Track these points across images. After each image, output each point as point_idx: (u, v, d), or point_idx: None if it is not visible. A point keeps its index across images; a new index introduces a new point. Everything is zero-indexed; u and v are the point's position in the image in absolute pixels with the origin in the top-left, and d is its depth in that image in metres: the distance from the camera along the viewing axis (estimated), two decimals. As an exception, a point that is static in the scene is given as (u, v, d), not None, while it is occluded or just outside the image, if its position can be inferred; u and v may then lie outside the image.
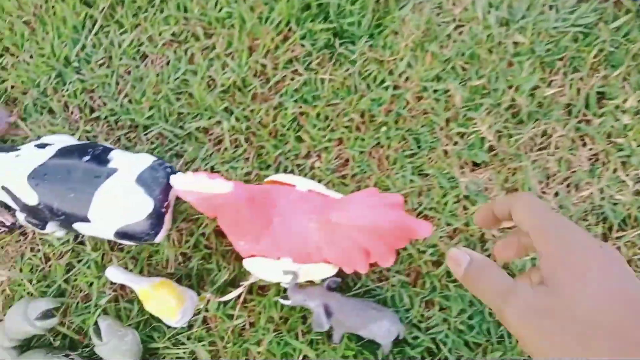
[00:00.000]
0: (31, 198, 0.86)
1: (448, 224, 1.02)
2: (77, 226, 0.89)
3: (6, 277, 1.05)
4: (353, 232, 0.77)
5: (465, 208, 1.03)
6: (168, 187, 0.85)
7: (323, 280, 0.94)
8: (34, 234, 1.08)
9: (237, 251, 0.89)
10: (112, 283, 1.02)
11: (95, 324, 0.98)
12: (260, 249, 0.84)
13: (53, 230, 0.97)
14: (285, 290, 0.96)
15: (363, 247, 0.79)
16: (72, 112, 1.12)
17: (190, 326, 1.01)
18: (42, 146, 0.91)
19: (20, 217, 0.95)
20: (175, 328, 1.00)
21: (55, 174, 0.86)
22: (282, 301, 0.95)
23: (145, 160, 0.88)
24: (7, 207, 1.05)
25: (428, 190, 1.04)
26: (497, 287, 0.39)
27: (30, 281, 1.05)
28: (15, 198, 0.88)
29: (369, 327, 0.91)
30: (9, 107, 1.11)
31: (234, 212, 0.78)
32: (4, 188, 0.88)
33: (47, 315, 0.98)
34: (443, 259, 1.00)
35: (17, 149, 0.91)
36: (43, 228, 0.95)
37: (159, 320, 0.98)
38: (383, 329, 0.91)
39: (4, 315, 1.04)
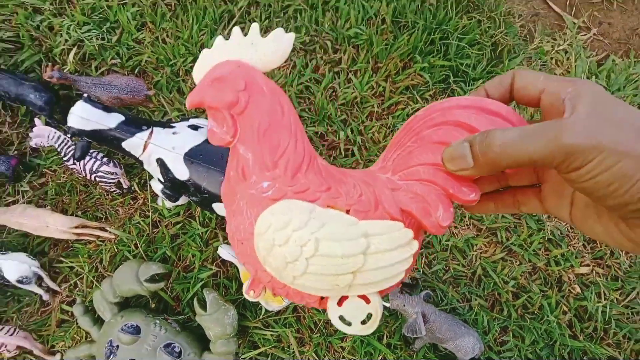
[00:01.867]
0: (182, 174, 0.94)
1: (530, 261, 1.12)
2: (215, 206, 0.97)
3: (114, 236, 1.12)
4: (441, 135, 0.49)
5: (547, 249, 1.13)
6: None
7: (420, 291, 1.02)
8: (144, 200, 1.14)
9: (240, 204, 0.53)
10: (219, 258, 1.09)
11: (199, 295, 1.05)
12: (297, 188, 0.51)
13: (182, 203, 1.04)
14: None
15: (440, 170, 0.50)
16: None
17: (279, 312, 1.08)
18: (195, 128, 0.98)
19: (157, 187, 1.02)
20: (267, 311, 1.07)
21: (210, 156, 0.93)
22: (382, 303, 1.03)
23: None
24: (126, 172, 1.12)
25: (516, 227, 1.14)
26: (538, 129, 0.37)
27: (135, 244, 1.11)
28: (167, 170, 0.95)
29: (456, 341, 1.00)
30: (146, 81, 1.19)
31: (275, 106, 0.51)
32: (159, 160, 0.95)
33: (154, 279, 1.04)
34: (522, 291, 1.10)
35: (173, 126, 0.98)
36: (176, 200, 1.02)
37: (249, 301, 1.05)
38: (469, 345, 0.99)
39: (108, 271, 1.11)
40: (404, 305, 1.00)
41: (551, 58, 1.26)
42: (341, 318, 0.54)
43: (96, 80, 1.10)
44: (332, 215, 0.49)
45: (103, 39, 1.20)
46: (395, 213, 0.50)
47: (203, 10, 1.22)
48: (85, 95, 0.93)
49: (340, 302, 0.54)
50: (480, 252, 1.12)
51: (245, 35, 0.50)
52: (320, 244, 0.48)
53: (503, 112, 0.47)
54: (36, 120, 1.06)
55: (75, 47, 1.20)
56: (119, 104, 1.12)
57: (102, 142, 0.93)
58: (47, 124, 1.11)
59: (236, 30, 0.50)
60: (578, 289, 1.10)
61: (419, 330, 0.98)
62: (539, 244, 1.13)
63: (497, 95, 0.47)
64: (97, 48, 1.20)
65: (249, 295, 0.55)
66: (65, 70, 1.16)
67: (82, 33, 1.20)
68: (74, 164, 1.08)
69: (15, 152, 1.17)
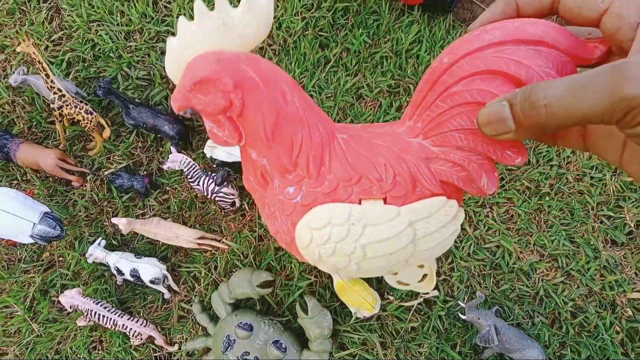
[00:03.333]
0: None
1: (587, 285, 1.27)
2: None
3: (227, 247, 1.32)
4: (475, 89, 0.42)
5: (602, 275, 1.29)
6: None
7: (490, 307, 1.19)
8: (251, 217, 1.35)
9: (273, 214, 0.51)
10: (314, 270, 1.28)
11: (300, 300, 1.24)
12: (324, 189, 0.46)
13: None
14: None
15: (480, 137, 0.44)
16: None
17: (366, 319, 1.27)
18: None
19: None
20: (357, 318, 1.26)
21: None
22: (459, 315, 1.21)
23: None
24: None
25: (574, 254, 1.30)
26: (593, 79, 0.30)
27: (245, 254, 1.32)
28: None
29: (523, 352, 1.16)
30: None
31: (278, 98, 0.45)
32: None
33: (264, 284, 1.24)
34: (580, 311, 1.25)
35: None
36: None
37: (340, 308, 1.24)
38: (534, 355, 1.16)
39: (221, 276, 1.31)
40: (479, 319, 1.17)
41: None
42: (399, 282, 0.54)
43: (219, 116, 1.31)
44: (371, 212, 0.45)
45: (219, 78, 1.41)
46: (435, 189, 0.46)
47: (303, 55, 1.43)
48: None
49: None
50: (543, 275, 1.29)
51: (212, 10, 0.42)
52: (366, 249, 0.46)
53: (549, 39, 0.38)
54: (172, 148, 1.27)
55: (197, 84, 1.41)
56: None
57: (238, 171, 1.13)
58: (177, 150, 1.33)
59: (198, 5, 0.42)
60: (630, 312, 1.25)
61: (491, 340, 1.15)
62: (595, 270, 1.28)
63: (532, 10, 0.38)
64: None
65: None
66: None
67: (202, 73, 1.41)
68: (197, 184, 1.29)
69: (144, 172, 1.39)
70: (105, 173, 1.37)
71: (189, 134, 1.37)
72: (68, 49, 1.44)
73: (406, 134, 0.47)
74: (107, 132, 1.33)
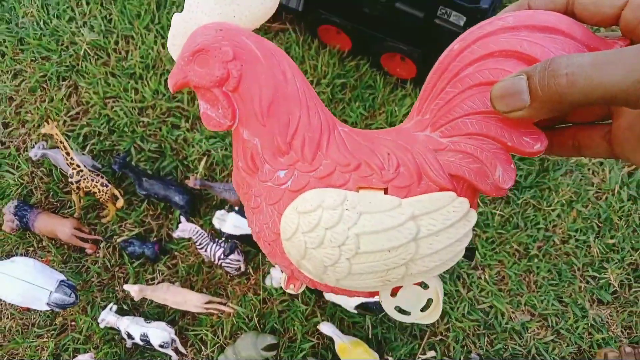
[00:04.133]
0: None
1: (576, 344, 1.34)
2: (328, 296, 1.24)
3: (233, 310, 1.39)
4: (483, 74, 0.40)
5: (590, 334, 1.35)
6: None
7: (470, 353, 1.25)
8: (255, 280, 1.42)
9: (258, 199, 0.45)
10: (317, 332, 1.35)
11: (306, 362, 1.30)
12: (320, 173, 0.43)
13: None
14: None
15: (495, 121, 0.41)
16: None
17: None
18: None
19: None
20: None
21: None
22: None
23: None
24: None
25: (563, 314, 1.37)
26: (619, 55, 0.29)
27: (249, 317, 1.38)
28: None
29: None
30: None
31: (278, 74, 0.43)
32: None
33: (269, 347, 1.30)
34: (571, 370, 1.31)
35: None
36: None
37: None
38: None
39: (227, 339, 1.37)
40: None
41: (588, 169, 1.52)
42: (397, 309, 0.48)
43: (226, 187, 1.40)
44: (369, 200, 0.41)
45: (226, 149, 1.52)
46: (444, 181, 0.41)
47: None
48: (236, 208, 1.24)
49: (394, 292, 0.47)
50: (534, 334, 1.35)
51: None
52: (361, 240, 0.40)
53: (564, 27, 0.37)
54: (182, 217, 1.36)
55: (205, 157, 1.52)
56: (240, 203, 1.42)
57: (247, 242, 1.22)
58: (187, 219, 1.42)
59: None
60: (618, 370, 1.31)
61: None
62: (583, 329, 1.35)
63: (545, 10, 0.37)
64: (221, 157, 1.51)
65: (289, 289, 0.50)
66: (198, 176, 1.48)
67: (210, 145, 1.52)
68: (205, 251, 1.37)
69: (155, 238, 1.47)
70: (118, 240, 1.45)
71: (197, 202, 1.46)
72: (85, 123, 1.55)
73: (413, 128, 0.44)
74: (120, 202, 1.42)
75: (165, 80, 1.60)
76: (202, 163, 1.51)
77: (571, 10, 0.37)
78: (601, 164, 1.54)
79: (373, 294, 0.46)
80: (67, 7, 1.70)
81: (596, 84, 0.29)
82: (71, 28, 1.66)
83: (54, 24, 1.67)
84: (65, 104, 1.59)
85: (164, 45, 1.63)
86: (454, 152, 0.41)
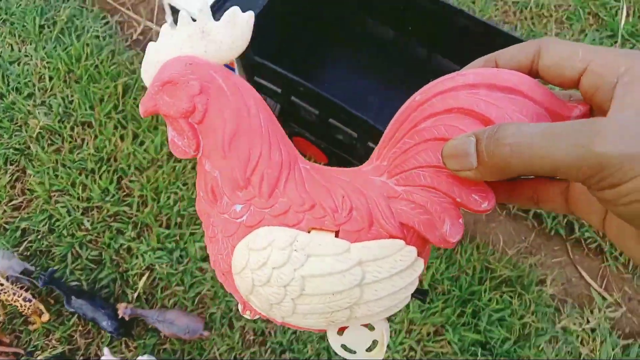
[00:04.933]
0: None
1: None
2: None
3: None
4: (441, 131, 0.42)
5: None
6: None
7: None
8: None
9: (211, 237, 0.46)
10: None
11: None
12: (274, 211, 0.44)
13: None
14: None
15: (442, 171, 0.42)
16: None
17: None
18: None
19: None
20: None
21: None
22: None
23: None
24: None
25: None
26: (564, 129, 0.29)
27: None
28: None
29: None
30: (202, 317, 1.33)
31: (241, 108, 0.44)
32: None
33: None
34: None
35: None
36: None
37: None
38: None
39: None
40: None
41: (577, 336, 1.33)
42: (344, 346, 0.48)
43: (161, 317, 1.25)
44: (318, 242, 0.42)
45: (171, 266, 1.36)
46: (393, 230, 0.42)
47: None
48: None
49: (340, 330, 0.48)
50: None
51: (195, 21, 0.43)
52: (306, 282, 0.41)
53: (525, 88, 0.37)
54: (105, 349, 1.21)
55: (147, 271, 1.36)
56: (175, 338, 1.26)
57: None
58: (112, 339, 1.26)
59: (183, 15, 0.43)
60: None
61: None
62: None
63: (513, 68, 0.38)
64: (165, 274, 1.36)
65: (246, 315, 0.49)
66: (135, 300, 1.32)
67: (155, 258, 1.36)
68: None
69: (82, 357, 1.32)
70: (39, 359, 1.30)
71: (130, 325, 1.30)
72: (25, 216, 1.42)
73: (371, 172, 0.45)
74: (45, 317, 1.28)
75: (118, 178, 1.45)
76: (143, 279, 1.35)
77: (535, 69, 0.37)
78: (593, 331, 1.35)
79: (321, 329, 0.47)
80: (29, 81, 1.57)
81: (540, 156, 0.29)
82: (28, 106, 1.53)
83: (11, 98, 1.54)
84: (8, 191, 1.45)
85: (122, 138, 1.49)
86: (407, 201, 0.42)
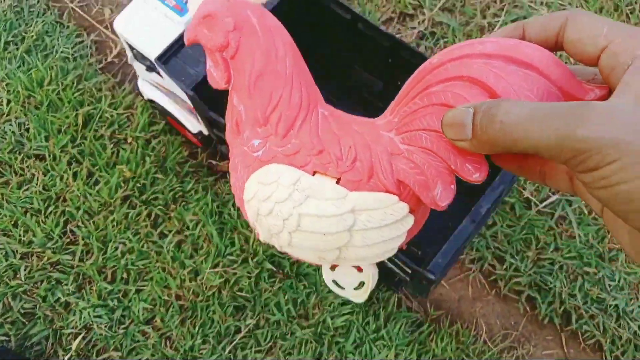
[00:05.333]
0: None
1: None
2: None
3: None
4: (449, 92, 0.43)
5: None
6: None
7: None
8: None
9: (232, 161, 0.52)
10: None
11: None
12: (287, 151, 0.47)
13: None
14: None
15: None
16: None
17: None
18: None
19: None
20: None
21: None
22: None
23: None
24: None
25: None
26: (553, 111, 0.29)
27: None
28: None
29: None
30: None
31: (270, 50, 0.47)
32: None
33: None
34: None
35: None
36: None
37: None
38: None
39: None
40: None
41: None
42: (334, 282, 0.52)
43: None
44: (318, 186, 0.46)
45: (110, 328, 1.22)
46: (390, 185, 0.46)
47: (211, 320, 1.22)
48: None
49: (334, 267, 0.52)
50: None
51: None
52: (302, 219, 0.46)
53: (542, 66, 0.37)
54: None
55: (84, 331, 1.22)
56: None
57: None
58: None
59: None
60: None
61: None
62: None
63: (536, 39, 0.38)
64: (104, 336, 1.21)
65: (260, 239, 0.52)
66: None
67: (94, 317, 1.22)
68: None
69: None
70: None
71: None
72: (-42, 258, 1.28)
73: (383, 126, 0.48)
74: (-41, 381, 1.14)
75: (65, 222, 1.32)
76: (78, 340, 1.21)
77: (561, 42, 0.36)
78: None
79: (316, 264, 0.53)
80: (-16, 104, 1.44)
81: (524, 137, 0.30)
82: (-21, 131, 1.40)
83: (-38, 122, 1.42)
84: (-57, 226, 1.32)
85: (75, 175, 1.35)
86: (407, 160, 0.46)
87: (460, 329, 1.27)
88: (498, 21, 1.55)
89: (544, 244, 1.31)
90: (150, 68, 1.12)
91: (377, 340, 1.24)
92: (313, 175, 0.47)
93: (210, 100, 1.02)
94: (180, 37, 1.07)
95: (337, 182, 0.46)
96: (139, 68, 1.24)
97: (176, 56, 1.07)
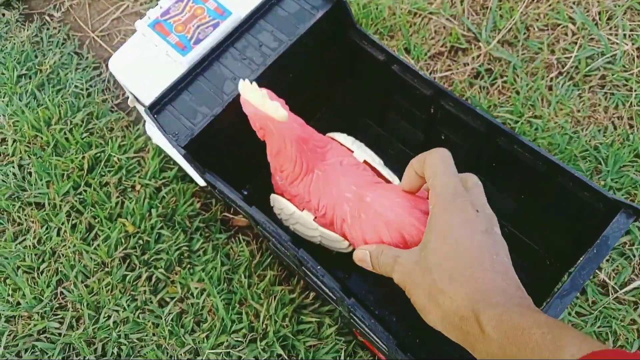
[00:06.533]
0: None
1: None
2: None
3: None
4: (378, 221, 0.73)
5: None
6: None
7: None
8: None
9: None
10: None
11: None
12: (291, 192, 0.82)
13: None
14: None
15: (381, 239, 0.73)
16: None
17: None
18: None
19: None
20: None
21: None
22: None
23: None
24: None
25: None
26: (389, 260, 0.56)
27: None
28: None
29: None
30: None
31: (281, 144, 0.76)
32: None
33: None
34: None
35: None
36: None
37: None
38: None
39: None
40: None
41: None
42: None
43: None
44: (304, 218, 0.81)
45: (96, 412, 1.05)
46: (338, 232, 0.81)
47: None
48: None
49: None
50: None
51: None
52: (295, 227, 0.85)
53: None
54: None
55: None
56: None
57: None
58: None
59: (246, 86, 0.76)
60: None
61: None
62: None
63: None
64: (86, 421, 1.05)
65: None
66: None
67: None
68: None
69: None
70: None
71: None
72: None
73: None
74: None
75: (58, 282, 1.17)
76: None
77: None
78: None
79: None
80: (-11, 143, 1.33)
81: (388, 274, 0.57)
82: (-21, 174, 1.29)
83: (-34, 163, 1.31)
84: None
85: (74, 228, 1.21)
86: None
87: None
88: (569, 58, 1.29)
89: (624, 342, 1.04)
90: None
91: None
92: (302, 210, 0.82)
93: (210, 153, 0.85)
94: (180, 81, 0.90)
95: (315, 219, 0.81)
96: (142, 111, 1.08)
97: (172, 104, 0.89)
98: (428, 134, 1.03)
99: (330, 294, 0.82)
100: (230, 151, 0.92)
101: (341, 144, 0.90)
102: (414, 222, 0.70)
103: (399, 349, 0.68)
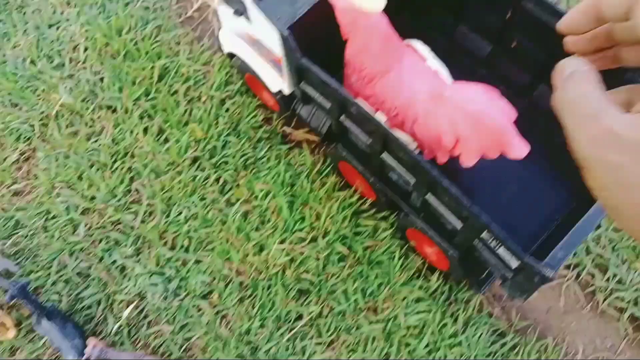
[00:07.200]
0: None
1: None
2: None
3: None
4: (457, 113, 0.77)
5: None
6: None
7: None
8: None
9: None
10: None
11: None
12: (366, 93, 0.87)
13: None
14: None
15: (457, 132, 0.79)
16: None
17: None
18: None
19: None
20: None
21: None
22: None
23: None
24: None
25: None
26: (584, 108, 0.28)
27: None
28: None
29: None
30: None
31: (367, 39, 0.80)
32: None
33: None
34: None
35: None
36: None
37: None
38: None
39: None
40: None
41: None
42: None
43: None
44: (378, 118, 0.80)
45: (165, 298, 1.13)
46: (409, 132, 0.88)
47: (272, 303, 1.10)
48: None
49: None
50: None
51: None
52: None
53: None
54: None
55: (137, 299, 1.14)
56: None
57: None
58: None
59: None
60: None
61: None
62: None
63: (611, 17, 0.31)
64: (157, 307, 1.13)
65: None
66: (116, 333, 1.11)
67: (149, 285, 1.14)
68: None
69: None
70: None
71: None
72: (22, 206, 1.24)
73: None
74: (10, 334, 1.10)
75: (130, 179, 1.24)
76: (130, 308, 1.13)
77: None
78: None
79: None
80: (62, 50, 1.39)
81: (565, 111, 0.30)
82: (54, 78, 1.34)
83: (40, 67, 1.36)
84: (12, 173, 1.28)
85: (146, 130, 1.26)
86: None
87: (550, 345, 1.08)
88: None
89: (662, 257, 1.08)
90: (238, 11, 0.99)
91: (453, 347, 1.08)
92: (376, 111, 0.87)
93: (304, 45, 0.89)
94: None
95: (386, 121, 0.83)
96: (225, 14, 1.12)
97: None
98: (498, 44, 1.05)
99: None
100: (322, 44, 0.95)
101: (416, 51, 0.94)
102: (495, 118, 0.77)
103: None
